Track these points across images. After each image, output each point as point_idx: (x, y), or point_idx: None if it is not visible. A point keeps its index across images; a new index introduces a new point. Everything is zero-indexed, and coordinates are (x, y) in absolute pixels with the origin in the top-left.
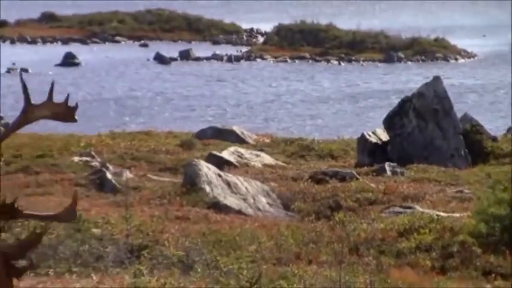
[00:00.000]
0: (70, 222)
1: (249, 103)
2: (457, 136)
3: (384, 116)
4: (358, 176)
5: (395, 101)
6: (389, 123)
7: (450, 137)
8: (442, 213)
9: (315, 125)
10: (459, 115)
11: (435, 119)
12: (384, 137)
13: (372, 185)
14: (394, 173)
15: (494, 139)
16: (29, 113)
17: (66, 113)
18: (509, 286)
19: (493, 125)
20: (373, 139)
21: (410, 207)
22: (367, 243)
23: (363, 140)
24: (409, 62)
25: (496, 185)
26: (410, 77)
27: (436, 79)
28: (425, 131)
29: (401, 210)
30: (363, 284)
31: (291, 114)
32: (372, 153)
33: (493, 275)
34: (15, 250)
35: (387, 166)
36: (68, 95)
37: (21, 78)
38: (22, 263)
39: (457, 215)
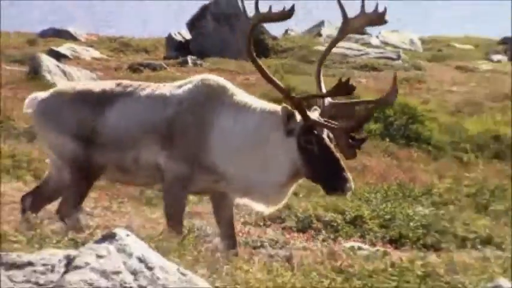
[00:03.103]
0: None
1: (84, 4)
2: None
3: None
4: (166, 67)
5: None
6: (191, 25)
7: (239, 36)
8: None
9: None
10: None
11: (229, 22)
12: (188, 36)
13: (178, 74)
14: (195, 64)
15: (274, 38)
16: (348, 24)
17: (379, 18)
18: None
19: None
20: (179, 38)
21: None
22: None
23: (170, 38)
24: None
25: (275, 74)
26: None
27: None
28: (220, 31)
29: None
30: None
31: (118, 14)
32: (177, 49)
33: None
34: (353, 125)
35: (189, 59)
36: (377, 4)
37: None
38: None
39: None
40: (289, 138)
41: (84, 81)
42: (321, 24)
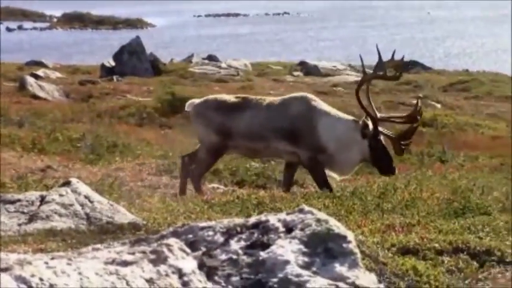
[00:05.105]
0: None
1: (52, 45)
2: None
3: None
4: (100, 82)
5: None
6: (115, 57)
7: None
8: None
9: None
10: None
11: (137, 55)
12: (113, 63)
13: (107, 85)
14: (117, 80)
15: (164, 64)
16: (382, 65)
17: (403, 64)
18: None
19: None
20: (108, 65)
21: None
22: None
23: (103, 65)
24: None
25: (165, 86)
26: None
27: None
28: (132, 60)
29: None
30: None
31: (73, 50)
32: (107, 71)
33: None
34: (403, 136)
35: (114, 77)
36: (403, 55)
37: (378, 50)
38: None
39: None
40: (363, 140)
41: (216, 94)
42: (192, 55)
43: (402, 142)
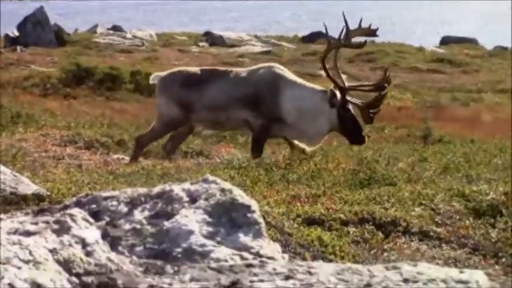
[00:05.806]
0: None
1: None
2: None
3: None
4: (4, 52)
5: None
6: (19, 27)
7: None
8: None
9: None
10: None
11: (41, 25)
12: (17, 34)
13: (11, 56)
14: (21, 50)
15: (69, 34)
16: (349, 33)
17: (372, 32)
18: None
19: None
20: (12, 35)
21: None
22: None
23: (7, 35)
24: None
25: (70, 56)
26: None
27: None
28: (36, 30)
29: None
30: None
31: None
32: (11, 42)
33: None
34: (371, 103)
35: (18, 48)
36: (371, 23)
37: (344, 15)
38: None
39: None
40: (331, 109)
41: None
42: (96, 26)
43: (371, 110)
